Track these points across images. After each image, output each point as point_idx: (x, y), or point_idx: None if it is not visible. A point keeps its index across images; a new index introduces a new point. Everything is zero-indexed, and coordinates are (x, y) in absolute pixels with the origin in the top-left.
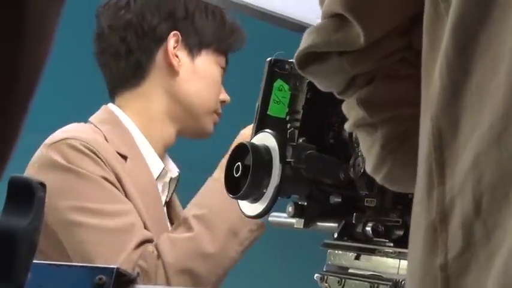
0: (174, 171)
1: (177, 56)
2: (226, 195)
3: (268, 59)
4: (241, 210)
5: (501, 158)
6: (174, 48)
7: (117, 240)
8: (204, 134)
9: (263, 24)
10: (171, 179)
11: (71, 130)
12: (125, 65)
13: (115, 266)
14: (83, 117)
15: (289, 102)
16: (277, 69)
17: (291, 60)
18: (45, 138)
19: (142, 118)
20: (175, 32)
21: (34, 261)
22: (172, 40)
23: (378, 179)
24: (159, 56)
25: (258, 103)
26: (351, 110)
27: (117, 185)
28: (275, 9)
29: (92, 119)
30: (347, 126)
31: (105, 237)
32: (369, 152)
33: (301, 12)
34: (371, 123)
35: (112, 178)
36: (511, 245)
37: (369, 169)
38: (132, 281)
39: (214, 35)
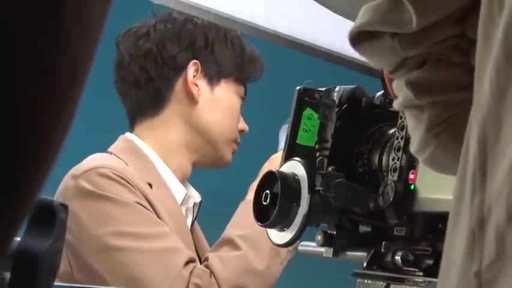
0: (196, 196)
1: (196, 85)
2: None
3: (298, 87)
4: (269, 238)
5: None
6: (194, 77)
7: (165, 260)
8: (223, 164)
9: (290, 52)
10: (194, 204)
11: (97, 159)
12: (144, 93)
13: None
14: (99, 148)
15: (318, 131)
16: (306, 98)
17: (320, 88)
18: (58, 170)
19: (161, 146)
20: (195, 61)
21: (56, 283)
22: (192, 69)
23: (421, 159)
24: (179, 85)
25: (287, 132)
26: (401, 90)
27: (151, 210)
28: (305, 38)
29: (111, 149)
30: (396, 104)
31: (152, 258)
32: (414, 133)
33: (329, 40)
34: (418, 105)
35: (145, 203)
36: None
37: (412, 149)
38: None
39: (234, 64)
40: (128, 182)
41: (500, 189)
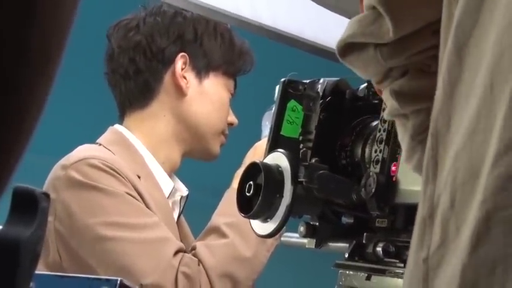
0: (183, 190)
1: (185, 78)
2: None
3: (282, 79)
4: (252, 229)
5: (471, 154)
6: (182, 69)
7: (155, 250)
8: (211, 156)
9: (275, 44)
10: (181, 197)
11: (87, 150)
12: (133, 85)
13: (118, 278)
14: (88, 139)
15: (302, 123)
16: (290, 90)
17: (305, 81)
18: (47, 160)
19: (150, 138)
20: (183, 53)
21: (37, 272)
22: (180, 62)
23: (411, 167)
24: (167, 78)
25: (271, 123)
26: (388, 100)
27: (140, 200)
28: (290, 30)
29: (100, 140)
30: (385, 114)
31: (143, 248)
32: (402, 142)
33: (314, 33)
34: (403, 114)
35: (135, 194)
36: (465, 238)
37: (402, 157)
38: None
39: (223, 57)
40: (117, 173)
41: (446, 177)
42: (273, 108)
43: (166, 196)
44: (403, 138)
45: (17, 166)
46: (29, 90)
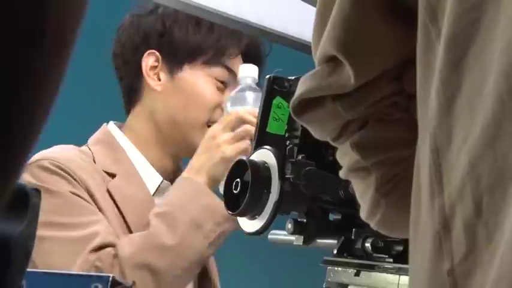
0: None
1: (157, 75)
2: (190, 189)
3: (267, 76)
4: (240, 227)
5: (496, 159)
6: (156, 67)
7: (76, 248)
8: None
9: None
10: None
11: (48, 151)
12: (123, 89)
13: (110, 275)
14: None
15: (288, 119)
16: (276, 87)
17: (290, 77)
18: None
19: (137, 139)
20: (150, 51)
21: (29, 269)
22: (150, 59)
23: (373, 224)
24: (144, 79)
25: (257, 121)
26: (345, 156)
27: (88, 198)
28: (274, 27)
29: (89, 139)
30: (341, 173)
31: (67, 246)
32: (363, 197)
33: (299, 29)
34: (365, 167)
35: (80, 192)
36: (508, 241)
37: (363, 214)
38: None
39: (200, 46)
40: (65, 172)
41: (461, 186)
42: (236, 93)
43: (152, 193)
44: (365, 193)
45: (32, 146)
46: (44, 75)
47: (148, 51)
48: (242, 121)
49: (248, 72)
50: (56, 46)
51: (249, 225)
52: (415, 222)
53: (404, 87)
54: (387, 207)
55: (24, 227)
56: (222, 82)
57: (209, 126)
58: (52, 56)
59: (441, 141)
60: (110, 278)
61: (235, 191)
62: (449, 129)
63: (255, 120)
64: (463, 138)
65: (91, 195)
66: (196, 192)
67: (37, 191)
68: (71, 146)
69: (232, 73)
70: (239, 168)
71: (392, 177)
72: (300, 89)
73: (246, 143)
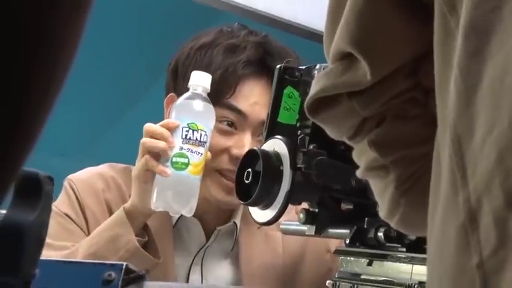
0: None
1: None
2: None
3: (278, 66)
4: (252, 216)
5: None
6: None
7: None
8: (219, 202)
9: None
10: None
11: (84, 170)
12: None
13: (124, 263)
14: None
15: (299, 109)
16: (287, 76)
17: (301, 67)
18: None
19: None
20: (170, 95)
21: (43, 258)
22: (169, 106)
23: (393, 223)
24: None
25: (268, 110)
26: (362, 155)
27: (79, 222)
28: (283, 16)
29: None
30: (359, 172)
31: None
32: (382, 196)
33: (309, 18)
34: (383, 165)
35: (75, 216)
36: None
37: (383, 214)
38: (141, 277)
39: None
40: (74, 193)
41: (489, 178)
42: (184, 100)
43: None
44: (383, 192)
45: (44, 121)
46: (61, 41)
47: (168, 95)
48: (148, 134)
49: (199, 80)
50: (73, 8)
51: (260, 215)
52: (433, 212)
53: (420, 82)
54: (407, 205)
55: (37, 215)
56: (228, 123)
57: (219, 172)
58: (70, 19)
59: (462, 132)
60: (124, 266)
61: (246, 181)
62: (471, 120)
63: (158, 130)
64: (487, 129)
65: (85, 218)
66: (108, 223)
67: (50, 179)
68: (108, 168)
69: (236, 110)
70: (250, 158)
71: (411, 174)
72: (314, 89)
73: (144, 159)
